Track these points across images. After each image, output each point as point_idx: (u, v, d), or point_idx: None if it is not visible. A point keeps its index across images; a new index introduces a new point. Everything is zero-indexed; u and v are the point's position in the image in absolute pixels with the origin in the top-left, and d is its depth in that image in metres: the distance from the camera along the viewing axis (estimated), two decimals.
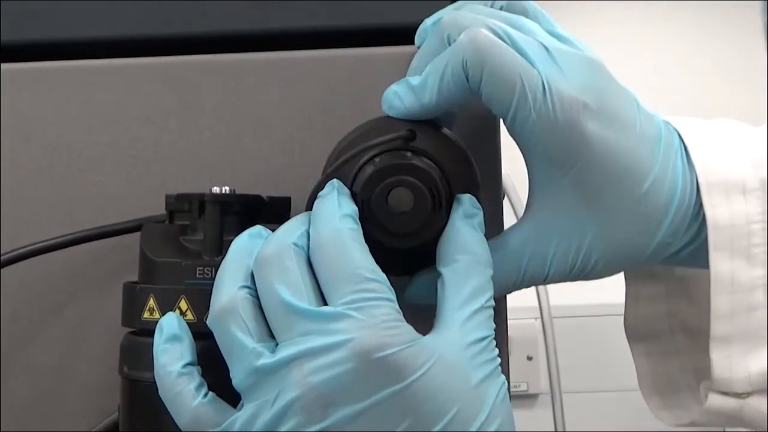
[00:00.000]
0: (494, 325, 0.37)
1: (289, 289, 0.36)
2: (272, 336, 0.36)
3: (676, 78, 1.89)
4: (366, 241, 0.37)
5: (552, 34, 0.41)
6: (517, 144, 0.40)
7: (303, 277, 0.36)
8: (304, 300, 0.35)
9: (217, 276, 0.38)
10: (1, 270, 0.46)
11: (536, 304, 1.16)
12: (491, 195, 0.45)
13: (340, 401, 0.34)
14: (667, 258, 0.42)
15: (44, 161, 0.49)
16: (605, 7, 1.95)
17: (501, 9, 0.42)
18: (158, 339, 0.38)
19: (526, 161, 0.41)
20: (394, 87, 0.41)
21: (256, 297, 0.37)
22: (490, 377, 0.36)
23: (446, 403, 0.34)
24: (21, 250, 0.46)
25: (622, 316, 0.49)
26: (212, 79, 0.48)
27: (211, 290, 0.38)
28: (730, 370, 0.40)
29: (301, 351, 0.35)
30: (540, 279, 0.41)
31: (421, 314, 0.38)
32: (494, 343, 0.37)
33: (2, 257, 0.46)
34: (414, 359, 0.34)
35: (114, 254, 0.48)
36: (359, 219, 0.38)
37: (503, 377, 0.37)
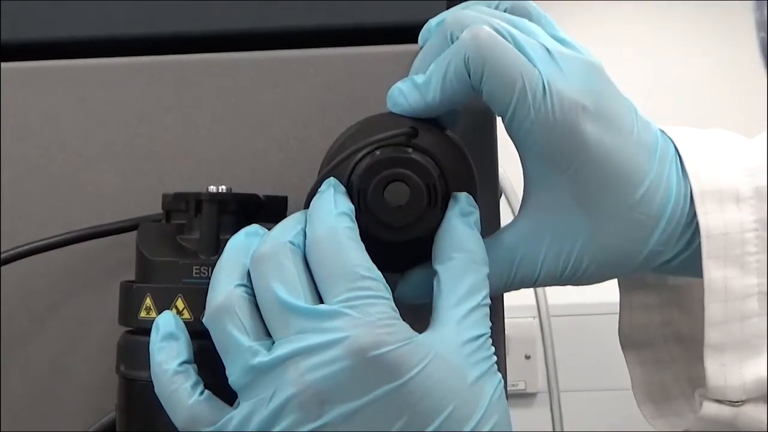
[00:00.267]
0: (490, 323, 0.37)
1: (285, 287, 0.36)
2: (268, 334, 0.36)
3: (676, 78, 1.89)
4: (362, 237, 0.37)
5: (554, 37, 0.41)
6: (514, 143, 0.40)
7: (299, 275, 0.36)
8: (300, 298, 0.36)
9: (213, 274, 0.38)
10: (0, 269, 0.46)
11: (534, 302, 1.16)
12: (488, 194, 0.45)
13: (336, 399, 0.34)
14: (660, 266, 0.42)
15: (41, 160, 0.49)
16: (605, 6, 1.95)
17: (505, 11, 0.42)
18: (154, 337, 0.38)
19: (522, 160, 0.41)
20: (399, 85, 0.41)
21: (252, 295, 0.37)
22: (486, 375, 0.36)
23: (442, 401, 0.34)
24: (18, 249, 0.46)
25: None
26: (210, 78, 0.48)
27: (208, 289, 0.38)
28: (725, 378, 0.40)
29: (297, 349, 0.35)
30: (530, 281, 0.41)
31: (417, 312, 0.38)
32: (490, 341, 0.37)
33: (0, 256, 0.46)
34: (410, 357, 0.34)
35: (111, 253, 0.48)
36: (355, 210, 0.38)
37: (499, 375, 0.37)
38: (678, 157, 0.41)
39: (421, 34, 0.44)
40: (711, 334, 0.40)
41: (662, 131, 0.42)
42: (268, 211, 0.44)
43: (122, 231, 0.46)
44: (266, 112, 0.48)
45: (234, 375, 0.36)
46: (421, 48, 0.43)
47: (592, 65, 0.41)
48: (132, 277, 0.43)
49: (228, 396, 0.37)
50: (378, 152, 0.39)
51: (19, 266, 0.47)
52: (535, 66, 0.39)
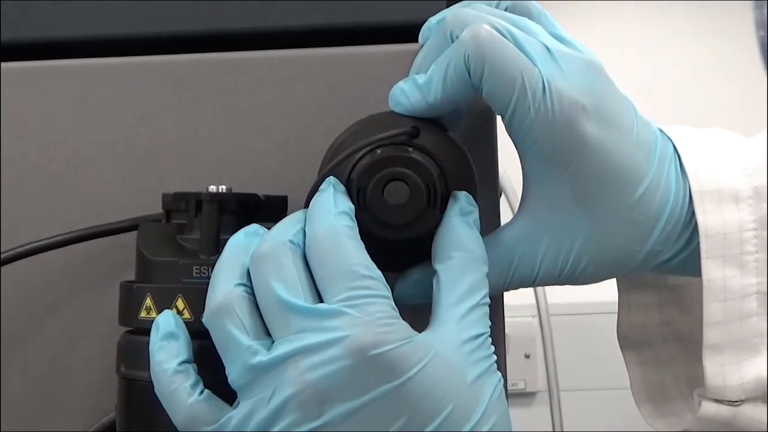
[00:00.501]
0: (490, 323, 0.37)
1: (285, 286, 0.36)
2: (268, 333, 0.36)
3: (676, 78, 1.89)
4: (361, 237, 0.37)
5: (554, 36, 0.41)
6: (514, 142, 0.40)
7: (299, 274, 0.36)
8: (300, 297, 0.36)
9: (212, 274, 0.38)
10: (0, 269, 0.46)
11: (534, 302, 1.16)
12: (488, 193, 0.45)
13: (336, 398, 0.34)
14: (659, 265, 0.42)
15: (41, 160, 0.49)
16: (605, 6, 1.95)
17: (505, 9, 0.42)
18: (154, 337, 0.38)
19: (521, 159, 0.41)
20: (401, 84, 0.41)
21: (252, 294, 0.37)
22: (486, 374, 0.36)
23: (442, 401, 0.34)
24: (18, 250, 0.46)
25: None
26: (209, 78, 0.48)
27: (208, 289, 0.38)
28: (723, 378, 0.40)
29: (297, 348, 0.35)
30: (529, 280, 0.41)
31: (417, 311, 0.38)
32: (490, 340, 0.37)
33: (0, 256, 0.46)
34: (409, 356, 0.34)
35: (111, 253, 0.48)
36: (354, 209, 0.38)
37: (499, 375, 0.37)
38: (677, 156, 0.41)
39: (421, 32, 0.44)
40: (710, 334, 0.40)
41: (661, 130, 0.42)
42: (268, 210, 0.44)
43: (122, 231, 0.46)
44: (266, 111, 0.48)
45: (234, 374, 0.36)
46: (421, 47, 0.43)
47: (592, 64, 0.41)
48: (132, 277, 0.43)
49: (228, 395, 0.37)
50: (379, 151, 0.39)
51: (19, 266, 0.47)
52: (535, 65, 0.39)
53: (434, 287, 0.38)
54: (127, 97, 0.49)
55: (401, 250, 0.40)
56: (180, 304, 0.40)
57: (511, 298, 0.47)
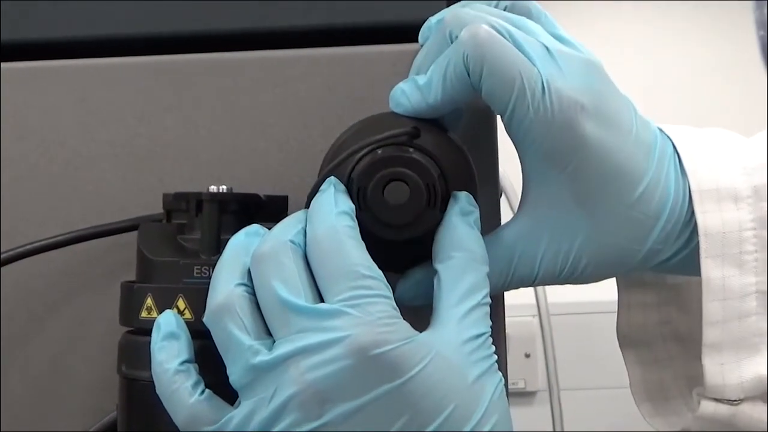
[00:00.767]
0: (490, 322, 0.37)
1: (286, 286, 0.36)
2: (269, 333, 0.36)
3: (676, 78, 1.89)
4: (362, 237, 0.37)
5: (554, 35, 0.41)
6: (513, 141, 0.40)
7: (300, 274, 0.36)
8: (301, 297, 0.36)
9: (213, 274, 0.38)
10: (0, 269, 0.46)
11: (534, 301, 1.16)
12: (488, 193, 0.45)
13: (337, 398, 0.34)
14: (658, 265, 0.42)
15: (41, 160, 0.49)
16: (605, 6, 1.95)
17: (505, 9, 0.42)
18: (155, 336, 0.38)
19: (521, 159, 0.41)
20: (401, 85, 0.41)
21: (253, 294, 0.37)
22: (487, 374, 0.36)
23: (443, 400, 0.34)
24: (18, 250, 0.46)
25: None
26: (210, 78, 0.48)
27: (209, 289, 0.38)
28: (723, 377, 0.40)
29: (298, 348, 0.35)
30: (529, 280, 0.41)
31: (417, 311, 0.38)
32: (491, 340, 0.37)
33: (0, 257, 0.46)
34: (410, 356, 0.34)
35: (111, 253, 0.48)
36: (355, 209, 0.38)
37: (500, 374, 0.37)
38: (676, 155, 0.41)
39: (421, 31, 0.44)
40: (709, 333, 0.40)
41: (661, 130, 0.43)
42: (269, 210, 0.44)
43: (123, 231, 0.46)
44: (266, 111, 0.48)
45: (235, 374, 0.36)
46: (421, 46, 0.43)
47: (592, 64, 0.41)
48: (132, 277, 0.43)
49: (229, 395, 0.37)
50: (379, 151, 0.39)
51: (20, 266, 0.47)
52: (534, 64, 0.39)
53: (435, 287, 0.38)
54: (128, 97, 0.49)
55: (401, 250, 0.40)
56: (181, 304, 0.40)
57: (511, 297, 0.47)
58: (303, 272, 0.36)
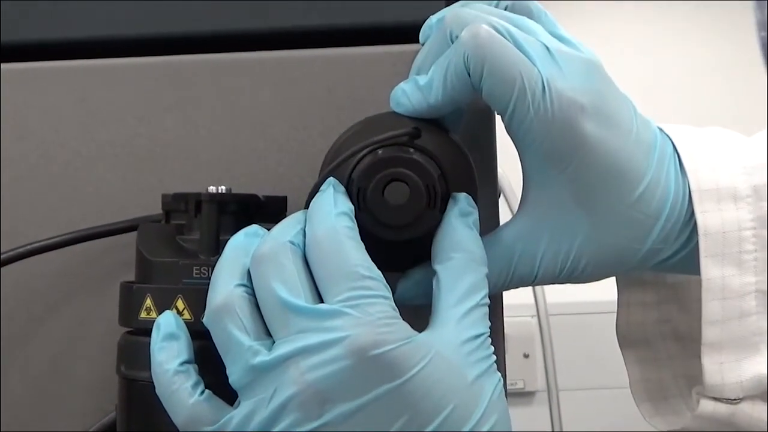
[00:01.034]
0: (489, 323, 0.37)
1: (286, 286, 0.36)
2: (269, 334, 0.36)
3: (675, 77, 1.89)
4: (362, 237, 0.37)
5: (554, 35, 0.41)
6: (514, 141, 0.40)
7: (299, 274, 0.36)
8: (301, 297, 0.36)
9: (213, 274, 0.38)
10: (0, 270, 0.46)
11: (533, 301, 1.16)
12: (487, 193, 0.45)
13: (337, 398, 0.34)
14: (658, 264, 0.42)
15: (41, 160, 0.49)
16: (605, 6, 1.95)
17: (505, 9, 0.42)
18: (155, 337, 0.38)
19: (521, 159, 0.41)
20: (402, 85, 0.41)
21: (253, 295, 0.37)
22: (486, 374, 0.36)
23: (442, 401, 0.34)
24: (18, 250, 0.46)
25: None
26: (209, 79, 0.48)
27: (208, 289, 0.38)
28: (722, 377, 0.40)
29: (298, 348, 0.35)
30: (529, 279, 0.41)
31: (417, 312, 0.38)
32: (489, 340, 0.37)
33: (0, 257, 0.46)
34: (410, 356, 0.34)
35: (110, 254, 0.48)
36: (354, 210, 0.38)
37: (499, 375, 0.37)
38: (676, 155, 0.41)
39: (422, 31, 0.44)
40: (708, 332, 0.40)
41: (661, 129, 0.43)
42: (268, 211, 0.44)
43: (122, 231, 0.46)
44: (266, 112, 0.48)
45: (234, 375, 0.36)
46: (422, 45, 0.43)
47: (592, 63, 0.41)
48: (132, 277, 0.43)
49: (229, 396, 0.37)
50: (380, 152, 0.39)
51: (19, 267, 0.47)
52: (534, 64, 0.39)
53: (434, 288, 0.38)
54: (127, 98, 0.49)
55: (401, 250, 0.40)
56: (180, 304, 0.40)
57: (509, 297, 0.47)
58: (302, 273, 0.36)
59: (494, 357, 0.37)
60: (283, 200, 0.45)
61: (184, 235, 0.42)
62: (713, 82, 1.91)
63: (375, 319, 0.35)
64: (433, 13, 0.43)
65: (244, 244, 0.38)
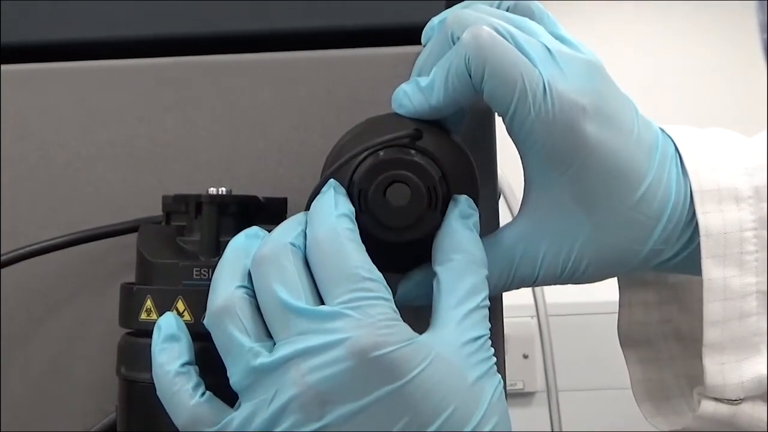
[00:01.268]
0: (489, 325, 0.37)
1: (286, 288, 0.36)
2: (269, 335, 0.36)
3: (676, 78, 1.89)
4: (362, 239, 0.37)
5: (556, 36, 0.41)
6: (515, 143, 0.41)
7: (300, 276, 0.36)
8: (301, 299, 0.36)
9: (213, 276, 0.38)
10: (0, 271, 0.46)
11: (532, 302, 1.16)
12: (487, 195, 0.45)
13: (337, 400, 0.34)
14: (659, 265, 0.42)
15: (41, 161, 0.49)
16: (605, 6, 1.95)
17: (507, 10, 0.42)
18: (156, 338, 0.38)
19: (522, 160, 0.41)
20: (404, 87, 0.41)
21: (253, 296, 0.37)
22: (486, 376, 0.36)
23: (442, 402, 0.34)
24: (19, 251, 0.46)
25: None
26: (209, 80, 0.48)
27: (208, 291, 0.38)
28: (723, 377, 0.40)
29: (299, 350, 0.35)
30: (530, 280, 0.41)
31: (417, 313, 0.38)
32: (489, 342, 0.37)
33: (0, 258, 0.46)
34: (410, 358, 0.34)
35: (111, 255, 0.48)
36: (355, 211, 0.38)
37: (499, 376, 0.37)
38: (678, 156, 0.41)
39: (423, 32, 0.44)
40: (710, 333, 0.40)
41: (662, 130, 0.43)
42: (268, 212, 0.44)
43: (122, 233, 0.46)
44: (266, 113, 0.48)
45: (235, 376, 0.36)
46: (424, 46, 0.43)
47: (593, 65, 0.41)
48: (132, 278, 0.43)
49: (229, 397, 0.37)
50: (381, 153, 0.39)
51: (20, 267, 0.47)
52: (535, 66, 0.39)
53: (434, 289, 0.38)
54: (128, 99, 0.49)
55: (402, 252, 0.40)
56: (180, 305, 0.40)
57: (509, 298, 0.47)
58: (303, 274, 0.36)
59: (494, 359, 0.37)
60: (283, 202, 0.45)
61: (185, 237, 0.42)
62: (713, 82, 1.91)
63: (376, 321, 0.35)
64: (433, 15, 0.43)
65: (245, 246, 0.38)
